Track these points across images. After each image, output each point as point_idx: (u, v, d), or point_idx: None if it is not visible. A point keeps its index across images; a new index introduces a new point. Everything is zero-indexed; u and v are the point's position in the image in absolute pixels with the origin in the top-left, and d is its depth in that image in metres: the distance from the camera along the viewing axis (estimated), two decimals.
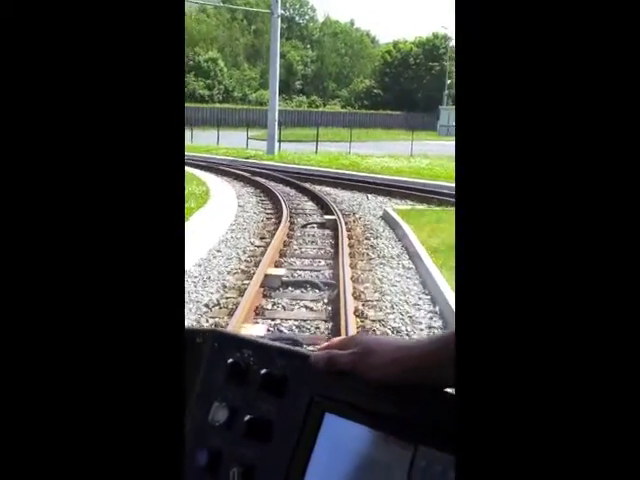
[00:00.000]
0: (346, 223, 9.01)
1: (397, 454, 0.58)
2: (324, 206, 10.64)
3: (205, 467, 0.69)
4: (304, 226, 9.03)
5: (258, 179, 14.55)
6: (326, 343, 0.69)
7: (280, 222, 8.76)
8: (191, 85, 49.66)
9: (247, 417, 0.67)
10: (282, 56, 63.15)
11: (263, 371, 0.69)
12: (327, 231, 8.65)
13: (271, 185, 13.43)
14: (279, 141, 22.61)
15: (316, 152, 22.38)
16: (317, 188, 13.48)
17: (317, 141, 23.32)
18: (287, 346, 0.72)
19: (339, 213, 9.60)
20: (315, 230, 8.80)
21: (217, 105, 48.51)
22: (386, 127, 47.41)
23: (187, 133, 27.05)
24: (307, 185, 13.66)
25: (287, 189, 13.20)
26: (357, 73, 65.54)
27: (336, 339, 0.70)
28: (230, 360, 0.72)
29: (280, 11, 20.22)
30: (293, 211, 10.24)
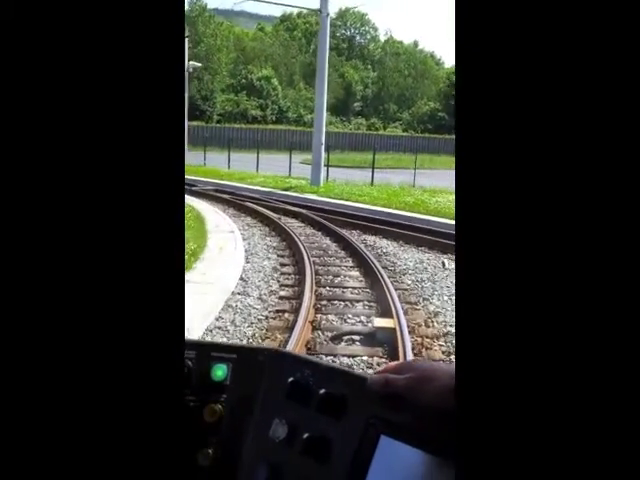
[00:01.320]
0: (412, 331, 4.97)
1: (451, 479, 0.57)
2: (375, 282, 6.57)
3: None
4: (335, 338, 5.01)
5: (290, 223, 10.70)
6: (383, 367, 0.72)
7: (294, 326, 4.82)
8: (243, 105, 46.84)
9: (306, 435, 0.71)
10: (340, 76, 60.62)
11: (322, 391, 0.72)
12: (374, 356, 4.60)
13: (304, 235, 9.53)
14: (326, 166, 18.59)
15: (372, 183, 18.26)
16: (369, 240, 9.48)
17: (373, 169, 19.09)
18: (345, 368, 0.76)
19: (398, 305, 5.51)
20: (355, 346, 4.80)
21: (264, 127, 45.44)
22: (451, 153, 43.06)
23: (223, 157, 23.70)
24: (354, 235, 9.69)
25: (324, 240, 9.27)
26: (420, 95, 61.50)
27: (393, 363, 0.71)
28: (291, 379, 0.76)
29: (329, 10, 16.42)
30: (320, 295, 6.25)
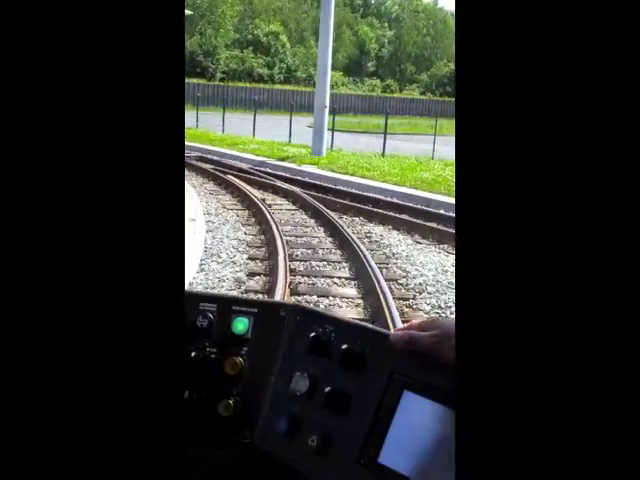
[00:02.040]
0: None
1: None
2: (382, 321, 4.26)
3: (285, 433, 0.75)
4: None
5: (278, 205, 8.39)
6: (406, 324, 0.72)
7: None
8: (248, 62, 43.89)
9: (327, 389, 0.73)
10: (355, 34, 57.26)
11: (344, 346, 0.74)
12: None
13: (290, 225, 7.22)
14: (332, 130, 16.03)
15: (383, 154, 15.63)
16: (375, 233, 7.14)
17: (385, 135, 16.22)
18: (368, 325, 0.77)
19: None
20: None
21: (270, 86, 42.52)
22: None
23: (217, 118, 21.16)
24: (355, 225, 7.36)
25: (317, 234, 6.96)
26: (440, 56, 58.04)
27: (416, 321, 0.72)
28: (312, 334, 0.78)
29: None
30: None
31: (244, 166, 12.63)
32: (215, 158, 13.77)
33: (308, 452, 0.73)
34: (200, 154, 14.31)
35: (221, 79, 41.91)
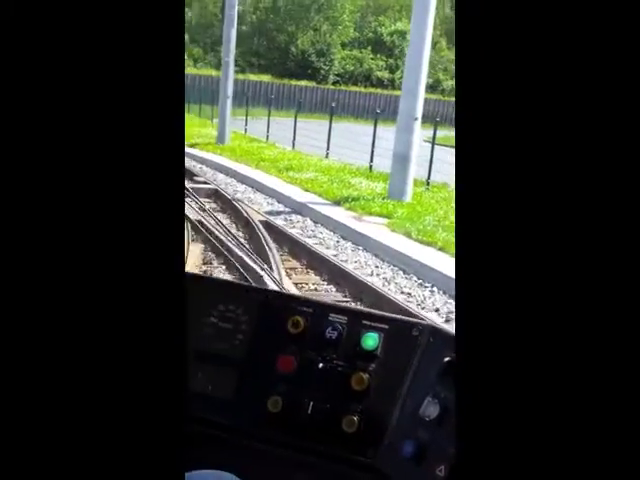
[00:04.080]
0: None
1: None
2: None
3: (411, 458, 0.73)
4: None
5: None
6: None
7: None
8: (367, 64, 38.63)
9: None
10: None
11: None
12: None
13: None
14: (431, 143, 10.23)
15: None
16: None
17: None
18: None
19: None
20: None
21: (389, 92, 36.90)
22: None
23: (323, 128, 15.88)
24: None
25: None
26: None
27: None
28: (447, 358, 0.74)
29: None
30: None
31: (267, 219, 7.35)
32: (228, 196, 8.70)
33: None
34: (217, 187, 9.31)
35: (334, 82, 37.03)
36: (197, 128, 17.36)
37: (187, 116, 21.30)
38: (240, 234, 6.78)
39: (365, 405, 0.82)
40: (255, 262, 5.33)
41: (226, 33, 14.05)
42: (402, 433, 0.76)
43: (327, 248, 6.35)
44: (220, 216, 7.61)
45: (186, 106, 24.01)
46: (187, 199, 8.03)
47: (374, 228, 6.99)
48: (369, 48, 39.43)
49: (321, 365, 0.87)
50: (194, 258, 5.62)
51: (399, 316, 0.92)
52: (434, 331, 0.80)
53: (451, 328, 0.70)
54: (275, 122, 16.76)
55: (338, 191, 9.08)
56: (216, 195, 8.89)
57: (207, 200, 8.54)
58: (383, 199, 8.55)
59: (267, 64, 36.19)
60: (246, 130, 17.49)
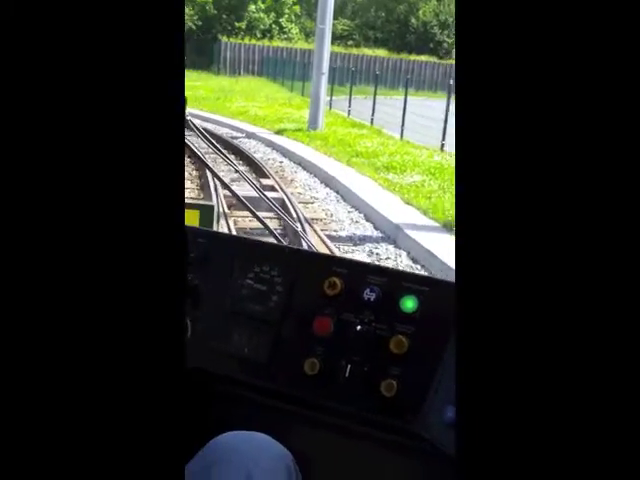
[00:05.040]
0: None
1: None
2: None
3: (452, 423, 0.72)
4: None
5: None
6: None
7: None
8: None
9: None
10: None
11: None
12: None
13: None
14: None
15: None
16: None
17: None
18: None
19: None
20: None
21: None
22: None
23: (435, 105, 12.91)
24: None
25: None
26: None
27: None
28: None
29: None
30: None
31: None
32: (298, 211, 6.29)
33: None
34: (284, 197, 6.93)
35: None
36: (291, 110, 15.01)
37: (279, 95, 19.20)
38: None
39: (404, 369, 0.81)
40: None
41: None
42: (444, 398, 0.75)
43: None
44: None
45: (288, 84, 22.40)
46: (239, 213, 5.78)
47: None
48: None
49: (359, 327, 0.85)
50: None
51: (440, 278, 0.92)
52: None
53: None
54: (386, 103, 14.04)
55: (451, 206, 6.37)
56: (283, 206, 6.54)
57: (268, 215, 6.21)
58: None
59: (384, 37, 33.26)
60: (349, 112, 14.95)
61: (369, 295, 0.85)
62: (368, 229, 6.14)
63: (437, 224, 5.92)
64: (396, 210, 6.37)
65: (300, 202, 6.97)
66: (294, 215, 6.07)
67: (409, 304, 0.82)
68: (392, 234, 5.81)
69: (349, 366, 0.83)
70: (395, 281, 0.84)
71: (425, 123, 11.16)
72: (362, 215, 6.55)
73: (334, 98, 16.20)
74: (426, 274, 1.11)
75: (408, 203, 6.67)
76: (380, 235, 5.93)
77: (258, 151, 10.24)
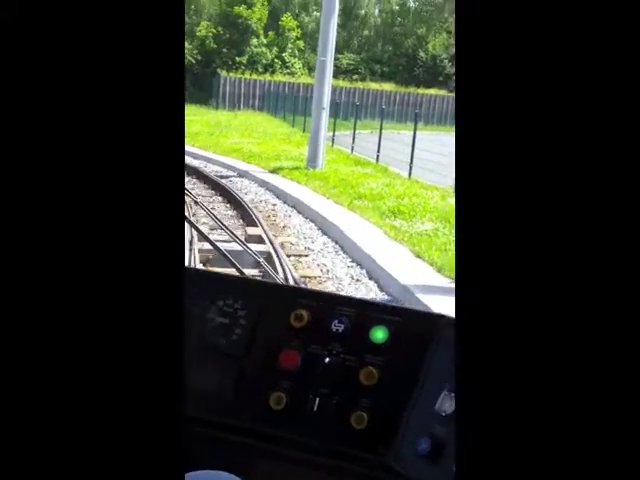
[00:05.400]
0: None
1: None
2: None
3: (426, 455, 0.71)
4: None
5: None
6: None
7: None
8: None
9: None
10: None
11: None
12: None
13: None
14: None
15: None
16: None
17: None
18: None
19: None
20: None
21: None
22: None
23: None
24: None
25: None
26: None
27: None
28: None
29: None
30: None
31: None
32: (286, 269, 5.24)
33: None
34: (269, 250, 5.87)
35: None
36: (290, 147, 14.02)
37: (279, 130, 18.30)
38: None
39: (375, 400, 0.80)
40: None
41: (324, 23, 10.55)
42: (416, 429, 0.74)
43: None
44: None
45: (289, 119, 21.62)
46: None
47: None
48: None
49: (327, 359, 0.83)
50: None
51: (411, 308, 0.93)
52: (449, 323, 0.77)
53: None
54: (393, 138, 13.05)
55: None
56: (269, 261, 5.47)
57: (252, 273, 5.14)
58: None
59: (391, 71, 32.61)
60: (353, 148, 13.96)
61: (337, 326, 0.84)
62: (371, 289, 5.05)
63: (454, 285, 4.82)
64: (404, 266, 5.28)
65: (291, 255, 5.91)
66: (281, 275, 4.99)
67: (379, 334, 0.81)
68: (399, 297, 4.71)
69: (317, 399, 0.82)
70: (365, 311, 0.84)
71: (435, 159, 10.10)
72: (364, 272, 5.47)
73: (337, 133, 15.25)
74: (396, 304, 1.00)
75: (419, 256, 5.58)
76: (385, 298, 4.83)
77: (249, 192, 9.21)
